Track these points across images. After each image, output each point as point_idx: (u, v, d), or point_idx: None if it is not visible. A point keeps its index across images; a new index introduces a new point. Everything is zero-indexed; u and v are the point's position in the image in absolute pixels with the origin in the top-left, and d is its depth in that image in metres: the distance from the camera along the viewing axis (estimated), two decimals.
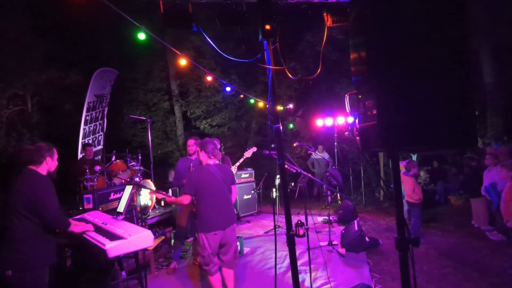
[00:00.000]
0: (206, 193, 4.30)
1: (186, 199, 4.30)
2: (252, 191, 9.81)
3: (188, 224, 6.05)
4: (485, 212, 7.42)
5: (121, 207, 4.67)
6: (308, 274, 4.86)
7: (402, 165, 7.09)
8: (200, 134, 13.91)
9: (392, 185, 2.38)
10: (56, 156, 3.65)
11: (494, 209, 6.99)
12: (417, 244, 2.18)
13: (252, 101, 12.46)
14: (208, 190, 4.31)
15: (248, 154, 7.78)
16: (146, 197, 7.33)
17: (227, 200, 4.47)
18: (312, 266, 4.99)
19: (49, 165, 3.55)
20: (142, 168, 7.80)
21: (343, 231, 6.75)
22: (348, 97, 2.49)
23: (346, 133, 12.33)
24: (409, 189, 6.82)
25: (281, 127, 3.24)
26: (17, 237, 3.24)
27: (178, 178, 5.93)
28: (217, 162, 4.66)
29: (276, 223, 7.89)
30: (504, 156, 7.45)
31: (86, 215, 4.81)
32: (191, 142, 6.22)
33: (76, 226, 3.80)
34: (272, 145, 4.53)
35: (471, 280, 5.05)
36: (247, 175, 9.91)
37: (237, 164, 7.83)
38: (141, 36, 4.94)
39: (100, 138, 10.56)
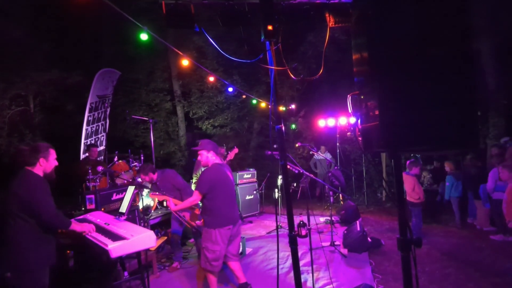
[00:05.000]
0: (221, 190, 4.40)
1: (197, 198, 4.40)
2: (254, 192, 9.81)
3: (182, 227, 6.05)
4: (486, 213, 7.45)
5: (123, 208, 4.68)
6: (310, 274, 4.86)
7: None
8: (203, 135, 13.95)
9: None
10: (52, 157, 3.58)
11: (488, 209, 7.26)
12: (419, 244, 2.17)
13: (254, 101, 12.45)
14: (222, 188, 4.42)
15: (230, 156, 7.69)
16: (148, 198, 7.34)
17: (235, 197, 4.73)
18: (314, 266, 4.98)
19: (43, 166, 3.48)
20: None
21: (345, 232, 6.75)
22: (350, 97, 2.49)
23: (348, 133, 12.32)
24: (409, 188, 6.80)
25: (283, 128, 3.25)
26: (13, 239, 3.23)
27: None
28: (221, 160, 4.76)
29: (278, 223, 7.89)
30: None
31: (88, 216, 4.82)
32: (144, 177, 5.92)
33: (77, 225, 3.79)
34: (275, 146, 4.53)
35: (473, 281, 5.05)
36: (249, 176, 9.91)
37: None
38: (143, 36, 4.94)
39: (102, 139, 10.57)
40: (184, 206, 4.79)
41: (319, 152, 11.57)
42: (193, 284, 5.33)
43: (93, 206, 5.58)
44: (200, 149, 4.53)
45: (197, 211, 5.18)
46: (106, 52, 12.98)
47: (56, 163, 3.65)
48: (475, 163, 8.41)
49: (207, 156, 4.53)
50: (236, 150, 7.70)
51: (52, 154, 3.60)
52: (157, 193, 5.19)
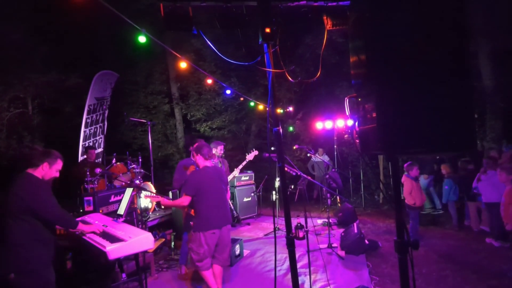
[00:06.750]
0: (207, 194, 4.46)
1: (186, 200, 4.45)
2: (252, 194, 9.80)
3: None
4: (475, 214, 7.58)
5: (121, 210, 4.68)
6: (308, 276, 4.86)
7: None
8: (201, 137, 13.94)
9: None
10: (56, 166, 3.55)
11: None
12: (416, 246, 2.18)
13: (252, 104, 12.47)
14: (208, 191, 4.48)
15: (250, 157, 7.77)
16: (146, 200, 7.33)
17: (224, 201, 4.71)
18: (311, 268, 4.99)
19: (44, 171, 3.45)
20: (142, 170, 7.81)
21: (342, 234, 6.76)
22: (347, 100, 2.50)
23: (346, 136, 12.33)
24: (406, 191, 6.80)
25: (281, 130, 3.26)
26: (13, 240, 3.21)
27: (179, 180, 5.87)
28: (213, 163, 4.82)
29: (276, 225, 7.89)
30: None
31: (86, 217, 4.81)
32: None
33: (85, 226, 3.85)
34: (272, 148, 4.55)
35: (470, 283, 5.06)
36: (247, 178, 9.90)
37: (240, 167, 7.81)
38: (142, 39, 4.94)
39: (100, 141, 10.56)
40: (173, 204, 5.07)
41: (316, 155, 11.60)
42: (191, 286, 5.33)
43: (91, 208, 5.58)
44: (191, 150, 4.68)
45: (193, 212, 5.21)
46: (104, 54, 12.99)
47: (57, 174, 3.61)
48: (465, 166, 8.46)
49: (197, 158, 4.67)
50: (256, 152, 7.79)
51: (58, 164, 3.57)
52: (151, 194, 5.17)
